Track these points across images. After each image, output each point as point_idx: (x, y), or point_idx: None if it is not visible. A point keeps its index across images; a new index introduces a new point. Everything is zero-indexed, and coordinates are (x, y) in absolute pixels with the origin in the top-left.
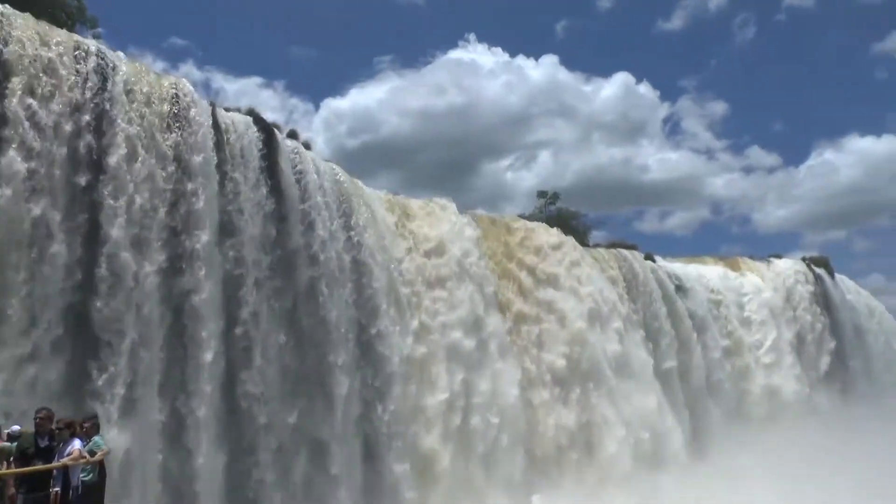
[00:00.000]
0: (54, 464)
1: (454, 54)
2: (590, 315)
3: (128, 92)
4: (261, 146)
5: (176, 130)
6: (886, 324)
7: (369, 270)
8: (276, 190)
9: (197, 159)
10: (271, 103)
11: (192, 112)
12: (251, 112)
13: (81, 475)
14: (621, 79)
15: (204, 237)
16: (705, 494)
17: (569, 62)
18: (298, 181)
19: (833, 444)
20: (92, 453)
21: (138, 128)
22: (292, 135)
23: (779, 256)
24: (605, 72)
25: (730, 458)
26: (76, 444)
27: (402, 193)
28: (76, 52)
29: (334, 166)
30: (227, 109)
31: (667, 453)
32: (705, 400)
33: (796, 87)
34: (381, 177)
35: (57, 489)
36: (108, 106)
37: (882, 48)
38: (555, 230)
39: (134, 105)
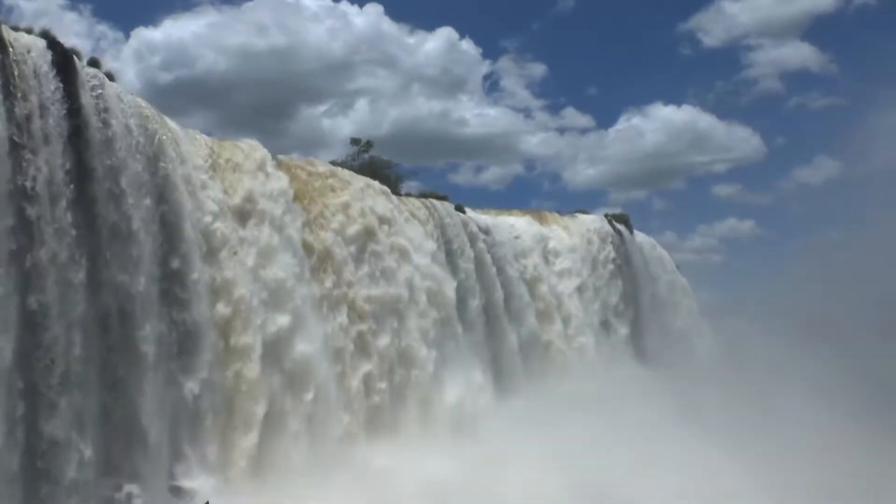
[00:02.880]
0: None
1: None
2: (398, 257)
3: None
4: (56, 74)
5: None
6: (675, 276)
7: (176, 213)
8: (74, 125)
9: None
10: (76, 27)
11: None
12: (45, 34)
13: None
14: (445, 34)
15: None
16: (507, 442)
17: (393, 13)
18: (99, 115)
19: (626, 378)
20: None
21: None
22: (94, 63)
23: (584, 212)
24: (429, 25)
25: (533, 404)
26: None
27: (217, 133)
28: None
29: (140, 100)
30: (16, 29)
31: (475, 401)
32: (510, 347)
33: (610, 56)
34: (196, 115)
35: None
36: None
37: (686, 27)
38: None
39: None
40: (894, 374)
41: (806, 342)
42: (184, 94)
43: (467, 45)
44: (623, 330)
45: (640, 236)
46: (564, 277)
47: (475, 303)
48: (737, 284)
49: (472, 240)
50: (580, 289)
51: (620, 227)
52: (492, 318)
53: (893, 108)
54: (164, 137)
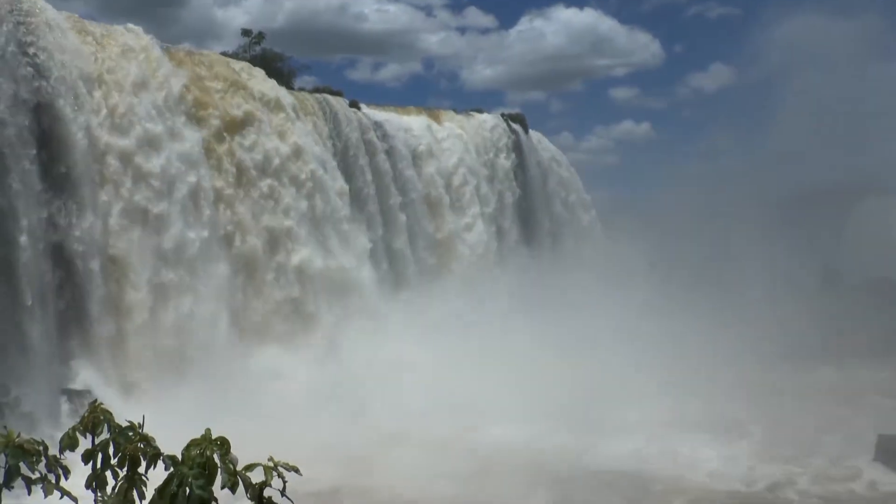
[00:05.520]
0: None
1: None
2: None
3: None
4: None
5: None
6: (568, 175)
7: (56, 107)
8: None
9: None
10: None
11: None
12: None
13: None
14: None
15: None
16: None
17: None
18: None
19: (515, 269)
20: None
21: None
22: None
23: (480, 111)
24: None
25: (427, 302)
26: None
27: (98, 19)
28: None
29: None
30: None
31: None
32: (403, 243)
33: None
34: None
35: None
36: None
37: None
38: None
39: None
40: (768, 261)
41: (690, 236)
42: None
43: None
44: (515, 226)
45: (535, 136)
46: (458, 174)
47: (369, 198)
48: (630, 184)
49: (366, 136)
50: (474, 185)
51: (516, 126)
52: (386, 215)
53: (784, 19)
54: (39, 21)
